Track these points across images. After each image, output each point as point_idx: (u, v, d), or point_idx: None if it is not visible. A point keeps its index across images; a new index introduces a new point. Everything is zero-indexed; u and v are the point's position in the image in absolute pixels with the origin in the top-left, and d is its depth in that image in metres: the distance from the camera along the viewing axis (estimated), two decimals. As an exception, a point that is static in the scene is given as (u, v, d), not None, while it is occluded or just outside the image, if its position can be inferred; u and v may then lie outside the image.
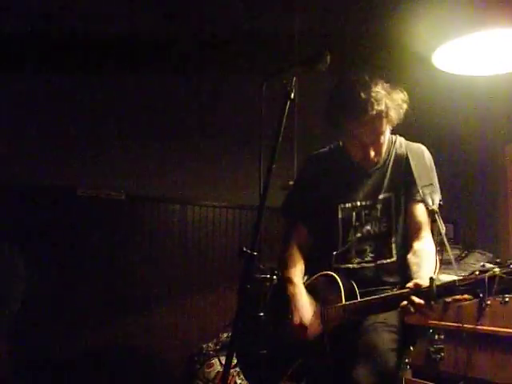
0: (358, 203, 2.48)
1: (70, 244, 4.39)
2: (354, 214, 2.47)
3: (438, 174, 2.48)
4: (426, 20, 3.12)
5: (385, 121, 2.32)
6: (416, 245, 2.37)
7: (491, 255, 4.18)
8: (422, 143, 2.52)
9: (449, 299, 2.17)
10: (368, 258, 2.43)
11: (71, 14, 3.71)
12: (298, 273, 2.46)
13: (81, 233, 4.46)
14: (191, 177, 4.82)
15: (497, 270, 1.82)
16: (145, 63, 4.40)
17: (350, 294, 2.30)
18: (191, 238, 4.86)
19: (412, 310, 2.03)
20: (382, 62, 2.59)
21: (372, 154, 2.37)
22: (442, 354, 3.22)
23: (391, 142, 2.51)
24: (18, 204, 4.24)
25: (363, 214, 2.46)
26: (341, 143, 2.55)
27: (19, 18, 3.69)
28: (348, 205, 2.48)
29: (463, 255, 4.22)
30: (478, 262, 4.05)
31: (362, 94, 2.25)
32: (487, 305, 1.91)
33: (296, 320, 2.32)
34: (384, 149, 2.43)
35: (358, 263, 2.44)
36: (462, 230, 5.13)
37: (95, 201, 4.56)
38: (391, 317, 2.36)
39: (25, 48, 4.06)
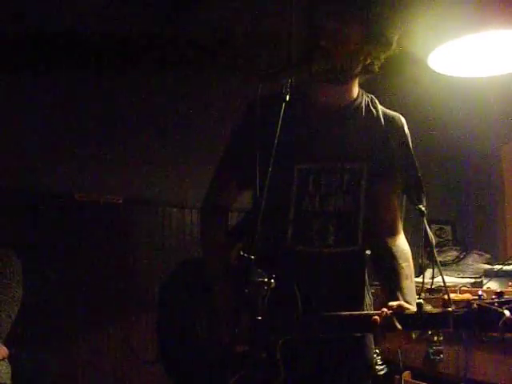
0: (318, 165, 2.02)
1: (68, 248, 4.38)
2: (310, 178, 2.01)
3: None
4: (422, 22, 3.12)
5: (359, 29, 1.95)
6: (391, 241, 2.05)
7: (489, 256, 4.19)
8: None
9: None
10: (330, 242, 2.00)
11: (67, 16, 3.72)
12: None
13: (78, 237, 4.44)
14: (188, 180, 4.81)
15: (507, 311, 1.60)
16: (140, 65, 4.41)
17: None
18: (189, 240, 4.85)
19: (388, 335, 1.72)
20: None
21: (337, 59, 1.95)
22: (441, 356, 3.23)
23: (363, 96, 2.13)
24: (14, 208, 4.22)
25: (323, 179, 2.02)
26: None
27: (13, 18, 3.69)
28: (305, 165, 2.02)
29: (461, 256, 4.23)
30: (477, 263, 4.07)
31: None
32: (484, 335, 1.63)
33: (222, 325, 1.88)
34: (351, 64, 2.00)
35: (319, 246, 2.00)
36: (459, 231, 5.13)
37: (92, 205, 4.54)
38: (365, 352, 2.05)
39: (20, 50, 4.07)
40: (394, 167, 2.05)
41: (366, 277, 2.11)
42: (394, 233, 2.08)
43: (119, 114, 4.61)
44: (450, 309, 1.66)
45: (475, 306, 1.62)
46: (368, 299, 2.09)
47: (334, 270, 2.00)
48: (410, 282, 1.94)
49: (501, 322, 1.56)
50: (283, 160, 1.89)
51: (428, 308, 1.71)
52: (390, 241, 2.05)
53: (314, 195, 2.02)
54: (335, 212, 2.02)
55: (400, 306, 1.75)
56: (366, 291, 2.09)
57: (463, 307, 1.64)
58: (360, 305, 2.01)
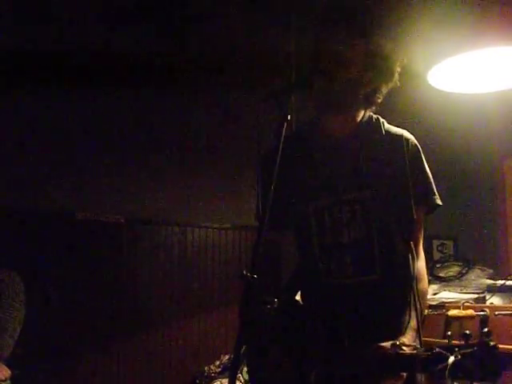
0: (330, 199, 2.05)
1: (70, 268, 4.38)
2: (325, 212, 2.04)
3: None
4: (422, 38, 3.14)
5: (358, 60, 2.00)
6: (416, 264, 1.98)
7: (491, 271, 4.18)
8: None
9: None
10: (348, 273, 2.01)
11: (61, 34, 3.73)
12: None
13: (81, 257, 4.44)
14: (190, 198, 4.81)
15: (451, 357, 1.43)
16: (145, 84, 4.42)
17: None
18: (191, 260, 4.85)
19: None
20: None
21: (337, 82, 1.98)
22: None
23: (369, 120, 2.12)
24: (16, 229, 4.23)
25: (335, 212, 2.03)
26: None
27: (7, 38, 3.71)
28: (320, 202, 2.06)
29: (464, 272, 4.22)
30: (479, 278, 4.06)
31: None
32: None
33: None
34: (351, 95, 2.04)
35: (339, 278, 2.02)
36: (461, 246, 5.12)
37: (95, 224, 4.54)
38: None
39: (23, 68, 4.09)
40: (405, 188, 2.00)
41: (401, 302, 1.98)
42: (419, 256, 2.04)
43: (121, 133, 4.62)
44: (414, 351, 1.60)
45: (437, 349, 1.49)
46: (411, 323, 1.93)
47: (355, 300, 1.98)
48: (413, 311, 1.88)
49: (438, 367, 1.44)
50: (299, 199, 2.07)
51: (405, 349, 1.63)
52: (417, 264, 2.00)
53: (330, 229, 2.04)
54: (350, 243, 2.02)
55: (378, 348, 1.70)
56: (400, 317, 1.95)
57: (426, 350, 1.53)
58: (388, 334, 1.85)
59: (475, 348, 1.42)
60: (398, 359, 1.61)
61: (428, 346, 1.55)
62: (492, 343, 1.42)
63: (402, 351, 1.62)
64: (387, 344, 1.67)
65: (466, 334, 1.46)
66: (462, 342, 1.45)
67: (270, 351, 1.88)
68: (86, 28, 3.71)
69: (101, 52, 3.97)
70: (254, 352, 1.83)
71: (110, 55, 4.02)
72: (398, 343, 1.63)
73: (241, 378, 4.21)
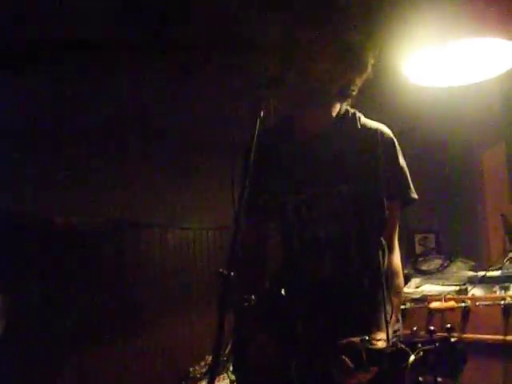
0: (308, 193, 2.03)
1: (54, 273, 4.36)
2: (304, 207, 2.02)
3: (415, 185, 2.08)
4: (396, 31, 3.14)
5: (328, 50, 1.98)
6: (391, 259, 2.00)
7: (473, 263, 4.21)
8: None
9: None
10: (326, 267, 1.99)
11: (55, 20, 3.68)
12: None
13: (64, 261, 4.43)
14: (169, 200, 4.81)
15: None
16: (134, 76, 4.38)
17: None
18: (172, 261, 4.85)
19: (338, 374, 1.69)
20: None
21: (312, 75, 1.98)
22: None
23: (345, 113, 2.10)
24: (14, 232, 4.21)
25: (313, 206, 2.01)
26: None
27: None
28: (297, 196, 2.04)
29: (445, 264, 4.24)
30: (461, 270, 4.08)
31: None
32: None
33: None
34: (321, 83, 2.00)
35: (317, 273, 2.00)
36: (443, 239, 5.15)
37: (76, 228, 4.53)
38: None
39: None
40: (379, 182, 1.97)
41: (379, 296, 1.92)
42: (394, 248, 2.05)
43: (104, 137, 4.60)
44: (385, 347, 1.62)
45: (399, 346, 1.53)
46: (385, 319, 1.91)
47: (331, 295, 1.96)
48: (389, 306, 1.88)
49: (402, 365, 1.49)
50: (278, 193, 2.07)
51: (375, 344, 1.66)
52: (390, 257, 2.01)
53: (308, 223, 2.02)
54: (327, 238, 2.00)
55: (349, 342, 1.70)
56: (375, 312, 1.92)
57: (391, 346, 1.58)
58: (363, 329, 1.83)
59: (436, 344, 1.46)
60: (366, 354, 1.62)
61: (407, 338, 1.60)
62: (454, 339, 1.46)
63: (370, 346, 1.63)
64: (357, 339, 1.67)
65: (430, 329, 1.50)
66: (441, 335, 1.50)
67: (256, 339, 1.93)
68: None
69: (98, 43, 3.92)
70: (239, 342, 1.85)
71: (107, 46, 3.97)
72: (367, 338, 1.65)
73: (226, 377, 4.21)
